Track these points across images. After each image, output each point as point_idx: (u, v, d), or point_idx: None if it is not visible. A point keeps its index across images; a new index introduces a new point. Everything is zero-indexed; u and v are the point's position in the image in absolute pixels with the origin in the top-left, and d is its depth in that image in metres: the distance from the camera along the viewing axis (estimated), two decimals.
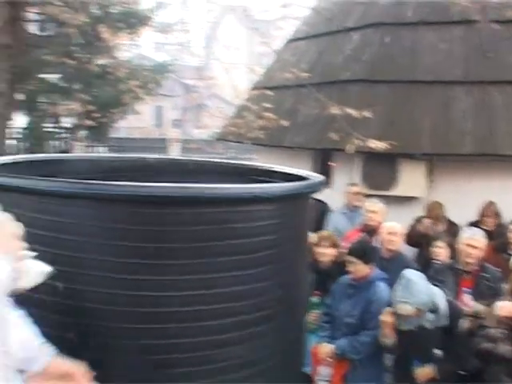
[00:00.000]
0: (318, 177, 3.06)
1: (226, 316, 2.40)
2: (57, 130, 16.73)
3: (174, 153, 19.42)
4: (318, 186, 2.95)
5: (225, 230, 2.36)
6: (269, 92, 7.64)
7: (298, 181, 2.96)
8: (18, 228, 1.25)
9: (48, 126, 16.27)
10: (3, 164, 2.48)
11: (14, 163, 2.61)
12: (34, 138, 13.45)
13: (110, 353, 2.24)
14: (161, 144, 19.53)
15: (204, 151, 19.81)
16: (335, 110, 6.03)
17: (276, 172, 3.57)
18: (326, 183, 2.96)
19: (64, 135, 16.91)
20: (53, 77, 15.40)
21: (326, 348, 4.20)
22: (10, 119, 3.30)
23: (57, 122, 16.55)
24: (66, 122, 16.63)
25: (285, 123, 6.96)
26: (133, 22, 15.00)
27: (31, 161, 2.99)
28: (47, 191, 2.00)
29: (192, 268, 2.28)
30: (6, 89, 3.06)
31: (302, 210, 2.96)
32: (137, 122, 17.46)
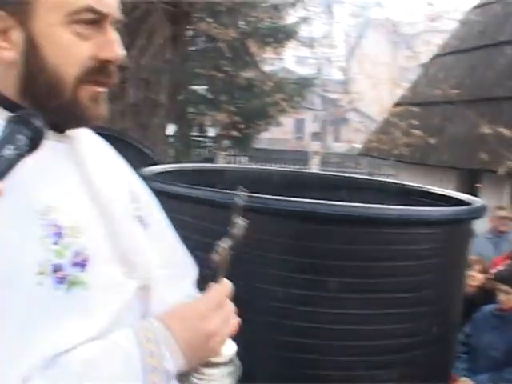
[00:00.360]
0: (478, 201, 2.93)
1: (384, 338, 2.39)
2: (202, 138, 17.53)
3: (314, 166, 19.56)
4: (480, 212, 2.83)
5: (390, 252, 2.36)
6: (415, 108, 7.47)
7: (454, 203, 2.87)
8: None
9: (194, 135, 17.11)
10: (163, 172, 2.65)
11: (168, 172, 2.79)
12: (180, 145, 14.19)
13: (257, 364, 2.30)
14: (301, 156, 19.75)
15: (343, 165, 19.80)
16: (486, 129, 5.74)
17: (430, 193, 3.46)
18: (486, 209, 2.82)
19: (208, 144, 17.67)
20: (201, 88, 16.19)
21: (467, 383, 3.97)
22: (165, 128, 3.54)
23: (202, 131, 17.36)
24: (211, 131, 17.40)
25: (431, 141, 6.75)
26: (279, 36, 15.37)
27: (187, 169, 3.17)
28: (221, 202, 2.14)
29: (355, 287, 2.30)
30: (165, 100, 3.27)
31: (465, 235, 2.86)
32: (278, 134, 17.82)
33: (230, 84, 15.21)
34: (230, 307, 1.02)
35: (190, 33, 10.86)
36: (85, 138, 1.05)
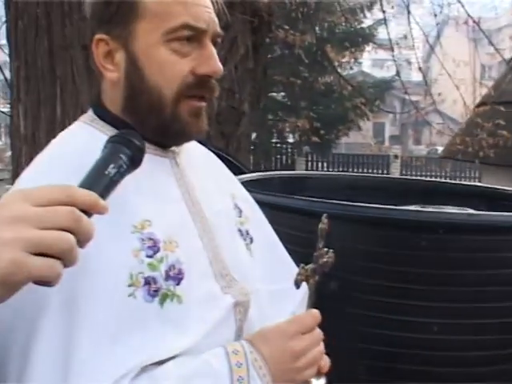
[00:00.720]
0: None
1: (476, 349, 2.32)
2: (281, 145, 17.61)
3: (395, 170, 19.17)
4: None
5: (483, 259, 2.29)
6: (500, 107, 7.19)
7: None
8: None
9: (273, 142, 17.22)
10: (251, 181, 2.69)
11: (255, 180, 2.82)
12: (261, 152, 14.31)
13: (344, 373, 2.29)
14: (381, 161, 19.42)
15: (426, 169, 19.30)
16: None
17: None
18: None
19: (288, 150, 17.73)
20: (279, 95, 16.28)
21: None
22: (251, 137, 3.59)
23: (282, 137, 17.45)
24: (291, 137, 17.45)
25: None
26: (357, 40, 15.25)
27: (274, 177, 3.20)
28: (313, 211, 2.16)
29: (446, 296, 2.24)
30: (248, 109, 3.32)
31: None
32: (357, 138, 17.65)
33: (308, 90, 15.23)
34: (319, 334, 1.00)
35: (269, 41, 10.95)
36: (189, 150, 1.08)
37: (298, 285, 0.97)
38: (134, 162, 0.82)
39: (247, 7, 3.51)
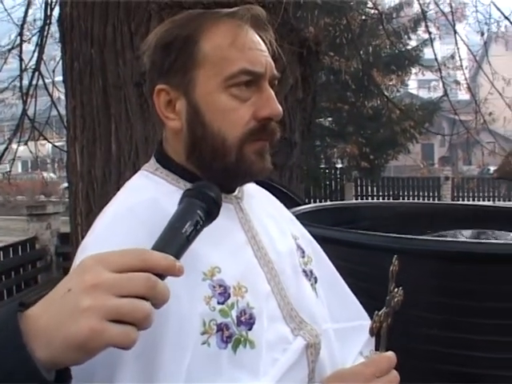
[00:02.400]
0: None
1: None
2: (330, 170, 17.57)
3: (446, 192, 18.81)
4: None
5: None
6: None
7: None
8: None
9: (322, 167, 17.19)
10: (305, 213, 2.68)
11: (313, 211, 2.82)
12: (310, 178, 14.29)
13: None
14: (432, 182, 19.10)
15: (477, 190, 18.87)
16: None
17: None
18: None
19: (337, 176, 17.66)
20: (326, 121, 16.29)
21: None
22: (303, 167, 3.60)
23: (330, 163, 17.41)
24: (339, 163, 17.39)
25: None
26: (402, 62, 15.15)
27: (327, 208, 3.19)
28: (371, 245, 2.16)
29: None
30: (299, 139, 3.33)
31: None
32: (406, 160, 17.43)
33: (356, 115, 15.18)
34: (396, 377, 0.98)
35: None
36: (250, 192, 1.09)
37: (373, 333, 0.95)
38: (211, 216, 0.82)
39: (295, 38, 3.54)
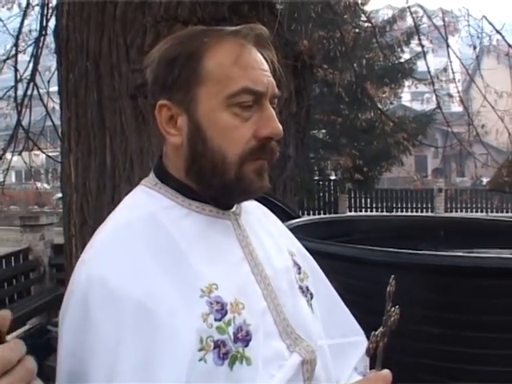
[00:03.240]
0: None
1: None
2: (324, 182, 17.60)
3: (439, 203, 18.86)
4: None
5: None
6: None
7: None
8: None
9: (316, 180, 17.21)
10: (301, 225, 2.69)
11: (307, 224, 2.82)
12: (304, 190, 14.31)
13: None
14: (425, 194, 19.15)
15: (470, 201, 18.92)
16: None
17: None
18: None
19: (331, 188, 17.69)
20: (321, 133, 16.34)
21: None
22: (297, 180, 3.60)
23: (324, 175, 17.44)
24: (333, 175, 17.42)
25: None
26: (396, 75, 15.25)
27: (322, 222, 3.20)
28: (367, 259, 2.17)
29: (507, 343, 2.16)
30: (293, 152, 3.34)
31: None
32: (399, 172, 17.50)
33: (349, 127, 15.24)
34: None
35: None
36: (248, 210, 1.10)
37: (369, 353, 0.95)
38: None
39: (289, 51, 3.56)
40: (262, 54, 1.00)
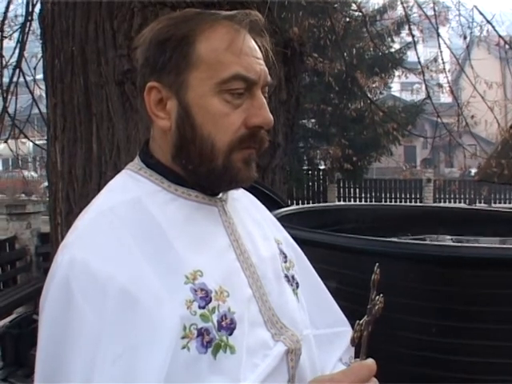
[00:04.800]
0: None
1: None
2: (313, 172, 17.63)
3: (428, 194, 18.94)
4: None
5: None
6: None
7: None
8: None
9: (305, 169, 17.24)
10: (288, 215, 2.67)
11: (295, 213, 2.81)
12: (293, 180, 14.32)
13: None
14: (414, 184, 19.23)
15: (459, 192, 19.02)
16: None
17: None
18: None
19: (320, 177, 17.73)
20: (309, 122, 16.34)
21: None
22: (286, 169, 3.58)
23: (313, 164, 17.46)
24: (322, 164, 17.46)
25: None
26: (386, 64, 15.24)
27: (311, 211, 3.19)
28: (356, 248, 2.15)
29: (500, 334, 2.16)
30: (282, 141, 3.31)
31: None
32: (388, 163, 17.56)
33: (339, 117, 15.25)
34: None
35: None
36: (235, 197, 1.08)
37: (354, 342, 0.93)
38: None
39: (279, 38, 3.52)
40: (256, 42, 0.98)
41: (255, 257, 1.02)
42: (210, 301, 0.91)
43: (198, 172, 0.97)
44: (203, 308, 0.89)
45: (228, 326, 0.91)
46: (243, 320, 0.93)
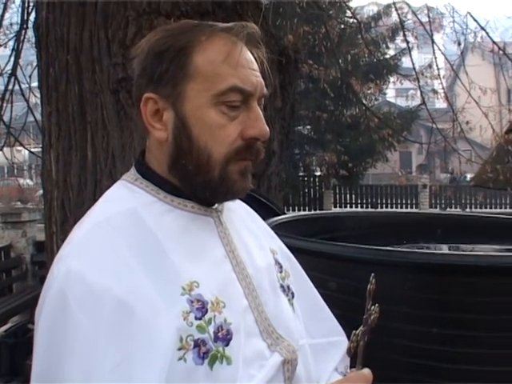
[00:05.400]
0: None
1: None
2: (309, 178, 17.65)
3: (424, 199, 18.95)
4: None
5: None
6: None
7: None
8: None
9: (301, 175, 17.26)
10: (283, 223, 2.67)
11: (290, 221, 2.80)
12: (289, 186, 14.33)
13: None
14: (410, 190, 19.24)
15: (455, 197, 19.05)
16: None
17: None
18: None
19: (316, 183, 17.75)
20: (306, 129, 16.37)
21: None
22: (282, 176, 3.58)
23: (309, 171, 17.49)
24: (318, 170, 17.48)
25: None
26: (381, 71, 15.29)
27: (306, 218, 3.19)
28: (351, 257, 2.16)
29: (498, 342, 2.16)
30: (277, 148, 3.32)
31: None
32: (384, 168, 17.60)
33: (334, 123, 15.28)
34: None
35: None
36: (231, 208, 1.08)
37: (350, 352, 0.93)
38: None
39: (274, 46, 3.53)
40: (253, 53, 0.99)
41: (251, 267, 1.02)
42: (207, 312, 0.91)
43: (195, 183, 0.97)
44: (200, 319, 0.90)
45: (224, 336, 0.91)
46: (239, 331, 0.93)
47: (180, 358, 0.86)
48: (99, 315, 0.84)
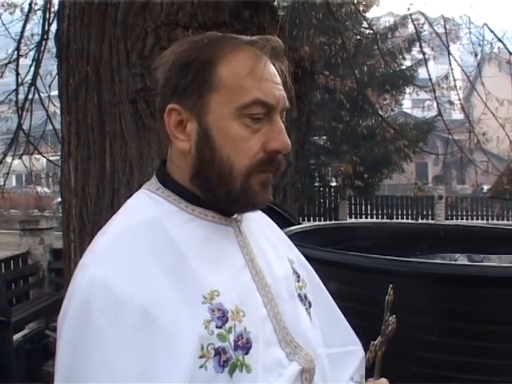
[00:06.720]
0: None
1: None
2: (324, 189, 17.61)
3: (440, 210, 18.82)
4: None
5: None
6: None
7: None
8: None
9: (316, 186, 17.22)
10: (298, 233, 2.68)
11: (306, 231, 2.81)
12: (304, 197, 14.31)
13: None
14: (426, 201, 19.12)
15: (471, 209, 18.88)
16: None
17: None
18: None
19: (331, 194, 17.71)
20: (322, 139, 16.36)
21: None
22: (297, 186, 3.59)
23: (324, 181, 17.45)
24: (333, 181, 17.44)
25: None
26: (397, 82, 15.27)
27: (322, 228, 3.19)
28: (373, 268, 2.17)
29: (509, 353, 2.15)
30: (293, 159, 3.33)
31: None
32: (399, 179, 17.51)
33: (350, 134, 15.26)
34: None
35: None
36: (250, 217, 1.09)
37: (369, 363, 0.94)
38: None
39: (290, 57, 3.55)
40: (275, 67, 1.00)
41: (269, 277, 1.03)
42: (227, 321, 0.92)
43: (216, 193, 0.98)
44: (220, 328, 0.91)
45: (244, 345, 0.92)
46: (258, 339, 0.95)
47: (201, 366, 0.88)
48: (123, 324, 0.85)
